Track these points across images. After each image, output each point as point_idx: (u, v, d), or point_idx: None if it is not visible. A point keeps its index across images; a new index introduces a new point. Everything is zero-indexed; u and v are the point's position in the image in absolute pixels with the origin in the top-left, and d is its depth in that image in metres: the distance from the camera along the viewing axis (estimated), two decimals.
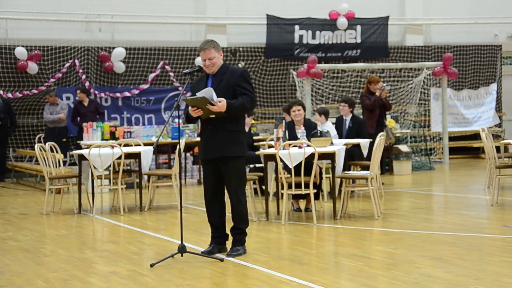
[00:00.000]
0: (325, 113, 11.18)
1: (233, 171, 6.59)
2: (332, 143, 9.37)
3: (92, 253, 7.10)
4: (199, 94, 6.41)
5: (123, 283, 5.78)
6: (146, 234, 8.23)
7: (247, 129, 10.94)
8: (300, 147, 8.54)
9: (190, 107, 6.50)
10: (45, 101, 15.62)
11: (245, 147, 6.73)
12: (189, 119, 6.69)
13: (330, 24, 18.24)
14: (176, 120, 12.89)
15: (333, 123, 11.63)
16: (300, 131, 9.25)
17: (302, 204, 9.62)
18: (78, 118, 14.95)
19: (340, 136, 11.55)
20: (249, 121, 11.11)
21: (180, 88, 16.84)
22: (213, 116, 6.46)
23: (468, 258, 6.28)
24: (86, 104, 15.05)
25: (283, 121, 9.35)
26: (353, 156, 11.23)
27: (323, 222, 8.61)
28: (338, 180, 9.02)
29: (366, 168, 10.09)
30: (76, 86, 16.15)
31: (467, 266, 5.98)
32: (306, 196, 9.25)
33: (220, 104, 6.37)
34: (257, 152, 9.39)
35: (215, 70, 6.62)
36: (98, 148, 9.73)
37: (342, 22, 18.15)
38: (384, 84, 12.90)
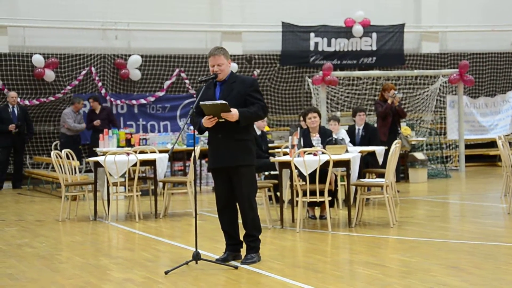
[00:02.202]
0: (338, 121, 11.21)
1: (244, 179, 6.58)
2: (347, 151, 9.35)
3: (107, 260, 7.11)
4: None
5: None
6: (161, 241, 8.25)
7: (259, 132, 10.95)
8: (315, 155, 8.53)
9: (204, 118, 6.49)
10: (63, 107, 15.73)
11: (255, 155, 6.73)
12: (200, 130, 6.68)
13: (345, 32, 18.24)
14: (192, 127, 12.94)
15: (345, 130, 11.63)
16: (315, 138, 9.24)
17: (318, 211, 9.60)
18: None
19: (353, 145, 11.53)
20: (261, 125, 11.09)
21: (195, 96, 16.88)
22: (222, 120, 6.45)
23: (485, 267, 6.24)
24: (98, 111, 15.15)
25: (298, 128, 9.35)
26: (368, 164, 11.21)
27: (338, 230, 8.58)
28: (353, 188, 8.99)
29: (382, 175, 10.06)
30: (93, 93, 16.24)
31: (483, 275, 5.94)
32: (321, 204, 9.23)
33: (234, 112, 6.38)
34: (272, 160, 9.39)
35: (223, 77, 6.63)
36: (114, 155, 9.77)
37: (357, 29, 18.13)
38: (396, 92, 12.86)
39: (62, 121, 15.28)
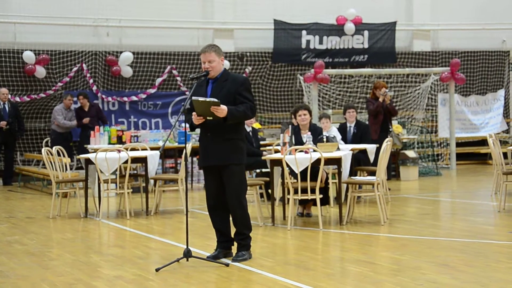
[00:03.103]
0: (329, 118, 11.25)
1: (234, 178, 6.57)
2: (338, 148, 9.36)
3: (98, 257, 7.10)
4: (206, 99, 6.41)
5: (128, 287, 5.78)
6: (152, 239, 8.24)
7: (249, 129, 10.94)
8: (306, 152, 8.53)
9: (193, 115, 6.49)
10: (54, 104, 15.70)
11: (245, 155, 6.71)
12: (192, 127, 6.69)
13: (337, 29, 18.24)
14: (183, 124, 12.91)
15: (337, 128, 11.65)
16: (306, 136, 9.24)
17: (314, 209, 9.53)
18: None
19: (344, 143, 11.54)
20: (250, 121, 11.05)
21: (187, 93, 16.85)
22: (211, 118, 6.44)
23: (475, 265, 6.26)
24: (86, 109, 15.11)
25: (290, 126, 9.35)
26: (360, 161, 11.23)
27: (329, 228, 8.59)
28: (344, 186, 9.00)
29: (373, 173, 10.07)
30: (84, 90, 16.18)
31: (474, 272, 5.96)
32: (310, 201, 9.23)
33: (223, 107, 6.37)
34: (263, 157, 9.39)
35: (214, 74, 6.61)
36: (105, 152, 9.75)
37: (349, 27, 18.15)
38: (387, 90, 12.88)
39: (52, 117, 15.24)
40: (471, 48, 19.44)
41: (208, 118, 6.43)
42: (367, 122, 12.89)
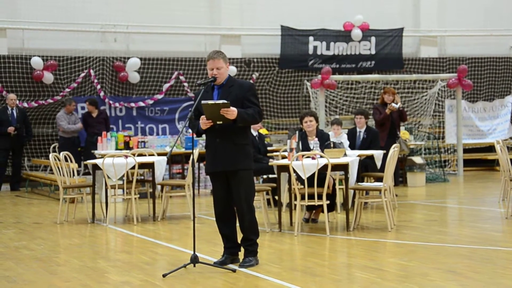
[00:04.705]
0: (340, 124, 11.26)
1: (242, 184, 6.58)
2: (345, 154, 9.36)
3: (105, 263, 7.11)
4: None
5: None
6: (159, 244, 8.24)
7: (255, 133, 10.95)
8: (313, 158, 8.54)
9: (201, 120, 6.49)
10: (58, 110, 15.73)
11: (252, 159, 6.73)
12: (198, 133, 6.69)
13: (344, 35, 18.25)
14: (190, 130, 12.94)
15: (346, 134, 11.66)
16: (313, 142, 9.24)
17: (321, 215, 9.52)
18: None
19: (353, 148, 11.55)
20: (256, 126, 11.07)
21: (194, 99, 16.87)
22: (220, 122, 6.45)
23: (482, 271, 6.24)
24: (94, 115, 15.18)
25: (297, 132, 9.36)
26: (367, 167, 11.22)
27: (336, 234, 8.58)
28: (351, 192, 8.99)
29: (380, 179, 10.06)
30: (92, 96, 16.24)
31: (481, 279, 5.94)
32: (318, 207, 9.23)
33: (234, 109, 6.39)
34: (270, 163, 9.39)
35: (221, 80, 6.64)
36: (112, 158, 9.77)
37: (356, 33, 18.15)
38: (395, 105, 12.73)
39: (57, 124, 15.33)
40: (478, 54, 19.41)
41: (217, 122, 6.45)
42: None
